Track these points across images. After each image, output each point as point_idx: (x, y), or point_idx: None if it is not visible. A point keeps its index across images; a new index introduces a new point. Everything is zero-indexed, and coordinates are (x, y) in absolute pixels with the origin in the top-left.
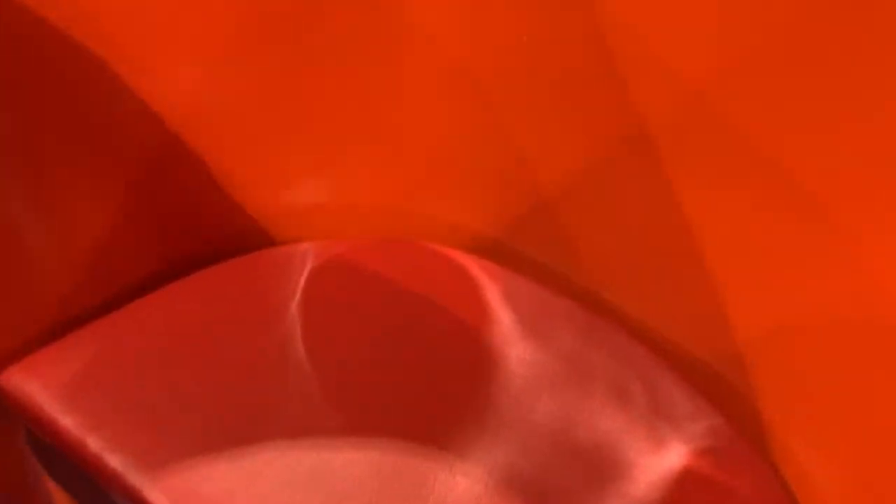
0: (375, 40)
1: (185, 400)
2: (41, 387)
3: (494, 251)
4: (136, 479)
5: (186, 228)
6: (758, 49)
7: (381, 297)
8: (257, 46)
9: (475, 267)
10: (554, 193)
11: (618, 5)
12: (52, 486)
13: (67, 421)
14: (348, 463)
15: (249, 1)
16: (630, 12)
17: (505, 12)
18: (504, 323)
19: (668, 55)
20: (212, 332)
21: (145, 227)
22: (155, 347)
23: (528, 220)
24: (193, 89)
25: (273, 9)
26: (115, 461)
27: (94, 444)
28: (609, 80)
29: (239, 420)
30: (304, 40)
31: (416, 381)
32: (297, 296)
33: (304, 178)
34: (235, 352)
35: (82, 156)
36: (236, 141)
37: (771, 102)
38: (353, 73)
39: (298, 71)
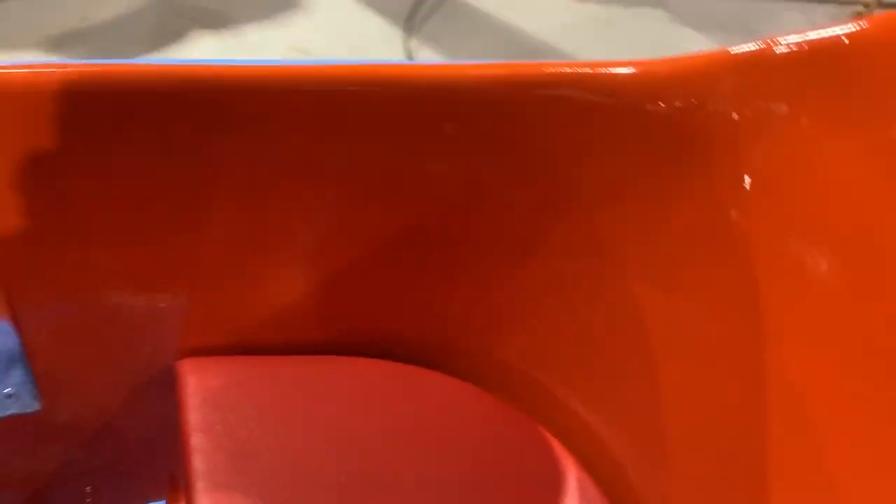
0: None
1: (288, 463)
2: (193, 388)
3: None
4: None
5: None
6: None
7: None
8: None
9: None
10: None
11: None
12: None
13: (192, 416)
14: None
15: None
16: None
17: None
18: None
19: None
20: (341, 418)
21: (335, 306)
22: (293, 403)
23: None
24: None
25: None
26: (199, 478)
27: (195, 442)
28: None
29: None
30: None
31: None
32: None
33: None
34: (345, 440)
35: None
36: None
37: None
38: None
39: None
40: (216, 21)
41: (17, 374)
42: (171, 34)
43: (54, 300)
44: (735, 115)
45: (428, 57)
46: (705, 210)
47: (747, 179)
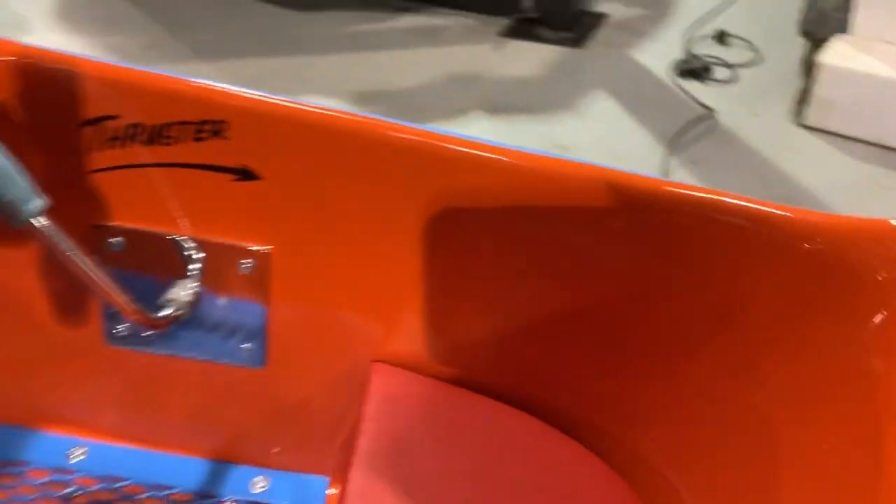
0: None
1: (427, 472)
2: (377, 387)
3: None
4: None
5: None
6: None
7: None
8: None
9: None
10: None
11: None
12: None
13: (369, 408)
14: None
15: None
16: None
17: None
18: None
19: None
20: (478, 453)
21: (503, 356)
22: (447, 424)
23: None
24: None
25: None
26: (358, 456)
27: (364, 427)
28: None
29: None
30: None
31: None
32: None
33: None
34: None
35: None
36: None
37: None
38: None
39: None
40: (496, 107)
41: (257, 340)
42: (456, 110)
43: (299, 303)
44: (881, 276)
45: (683, 178)
46: (848, 354)
47: (892, 333)
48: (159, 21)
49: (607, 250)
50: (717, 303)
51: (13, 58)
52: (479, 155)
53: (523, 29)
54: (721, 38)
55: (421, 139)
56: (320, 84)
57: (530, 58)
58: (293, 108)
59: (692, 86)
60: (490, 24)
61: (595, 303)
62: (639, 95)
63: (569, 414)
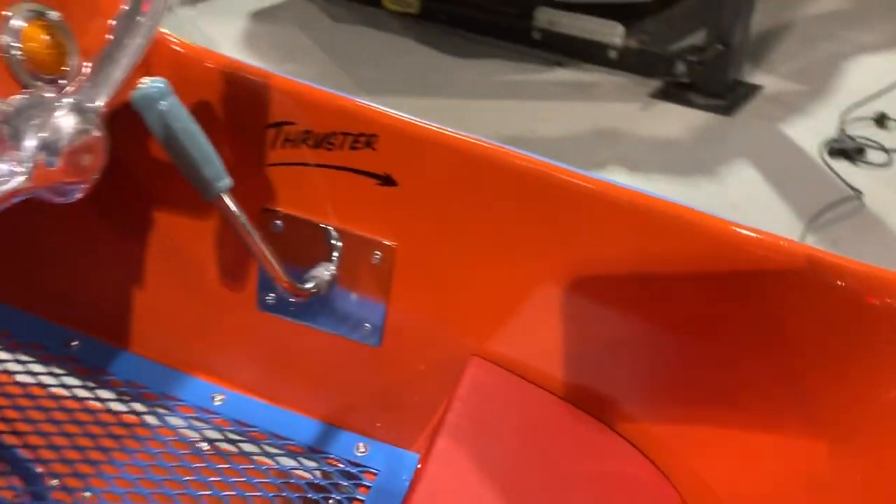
0: None
1: (500, 462)
2: (471, 377)
3: None
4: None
5: None
6: None
7: None
8: None
9: None
10: None
11: None
12: None
13: (461, 391)
14: None
15: None
16: None
17: None
18: None
19: None
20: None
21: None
22: (526, 422)
23: None
24: None
25: None
26: (444, 429)
27: (454, 406)
28: None
29: None
30: None
31: None
32: None
33: None
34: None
35: None
36: None
37: None
38: None
39: None
40: (636, 165)
41: (377, 321)
42: (596, 163)
43: (414, 294)
44: None
45: None
46: None
47: None
48: (331, 55)
49: (695, 289)
50: (791, 354)
51: (219, 67)
52: (582, 185)
53: (674, 92)
54: (881, 120)
55: (538, 167)
56: (468, 125)
57: (677, 121)
58: (432, 129)
59: (842, 166)
60: (642, 85)
61: (673, 329)
62: (783, 169)
63: (640, 429)
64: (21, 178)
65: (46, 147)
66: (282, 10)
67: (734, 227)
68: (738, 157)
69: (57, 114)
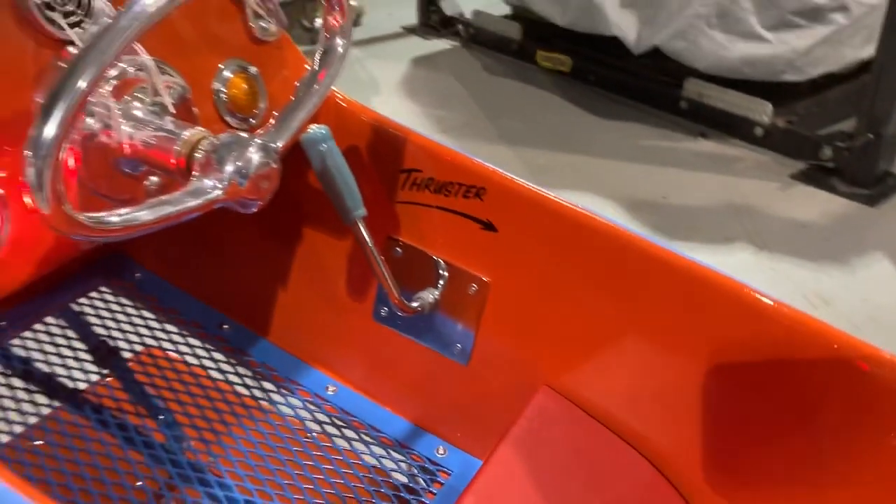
0: None
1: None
2: (539, 402)
3: None
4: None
5: None
6: None
7: None
8: None
9: None
10: None
11: None
12: None
13: (526, 414)
14: None
15: None
16: None
17: None
18: None
19: None
20: None
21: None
22: (579, 464)
23: None
24: None
25: None
26: (504, 444)
27: (516, 429)
28: None
29: None
30: None
31: None
32: None
33: None
34: None
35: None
36: None
37: None
38: None
39: None
40: (765, 243)
41: (467, 343)
42: (724, 237)
43: (501, 324)
44: None
45: None
46: None
47: None
48: (480, 104)
49: (759, 372)
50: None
51: (369, 120)
52: (659, 257)
53: (817, 176)
54: None
55: (622, 236)
56: (600, 183)
57: (816, 205)
58: (531, 189)
59: None
60: (784, 165)
61: (718, 387)
62: None
63: (681, 471)
64: (219, 192)
65: (239, 172)
66: (441, 58)
67: (810, 319)
68: (876, 250)
69: (249, 150)
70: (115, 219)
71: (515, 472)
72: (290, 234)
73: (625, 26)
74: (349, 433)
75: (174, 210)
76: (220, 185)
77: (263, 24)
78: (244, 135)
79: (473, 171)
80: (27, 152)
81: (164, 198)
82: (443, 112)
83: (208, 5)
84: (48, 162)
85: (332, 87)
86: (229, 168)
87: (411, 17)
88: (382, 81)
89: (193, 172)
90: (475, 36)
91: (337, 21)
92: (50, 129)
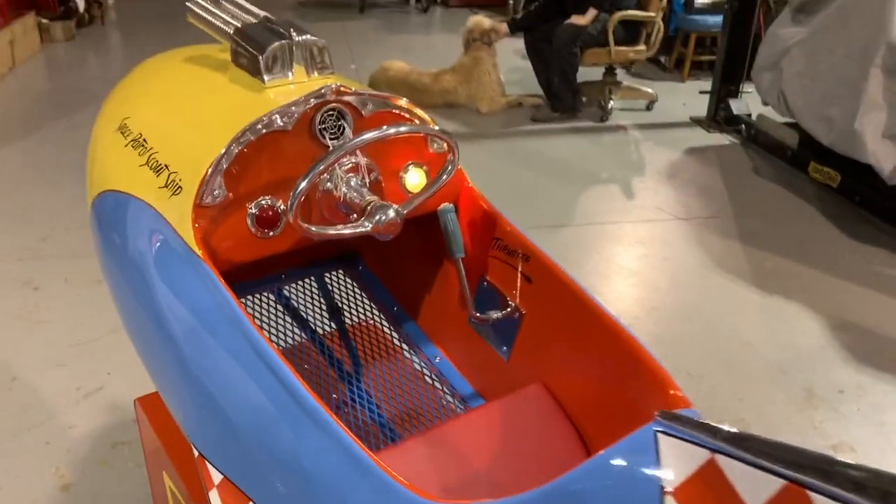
0: None
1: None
2: (522, 392)
3: None
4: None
5: None
6: None
7: None
8: None
9: None
10: None
11: None
12: None
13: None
14: None
15: None
16: None
17: None
18: None
19: None
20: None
21: None
22: None
23: None
24: None
25: None
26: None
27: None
28: None
29: None
30: None
31: None
32: None
33: None
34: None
35: None
36: None
37: None
38: None
39: None
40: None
41: (507, 349)
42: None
43: (522, 344)
44: None
45: None
46: None
47: None
48: (733, 200)
49: None
50: None
51: (480, 206)
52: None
53: None
54: None
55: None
56: (822, 301)
57: None
58: (558, 271)
59: None
60: None
61: None
62: None
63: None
64: (368, 227)
65: (380, 220)
66: (714, 152)
67: None
68: None
69: (389, 211)
70: (314, 229)
71: (473, 429)
72: (432, 263)
73: (881, 156)
74: (438, 385)
75: (348, 231)
76: (369, 224)
77: (436, 145)
78: (390, 204)
79: (527, 246)
80: (292, 194)
81: (346, 225)
82: (694, 201)
83: (407, 139)
84: (298, 199)
85: (467, 177)
86: (377, 217)
87: (703, 109)
88: (649, 163)
89: (364, 217)
90: (755, 137)
91: (453, 153)
92: (302, 184)
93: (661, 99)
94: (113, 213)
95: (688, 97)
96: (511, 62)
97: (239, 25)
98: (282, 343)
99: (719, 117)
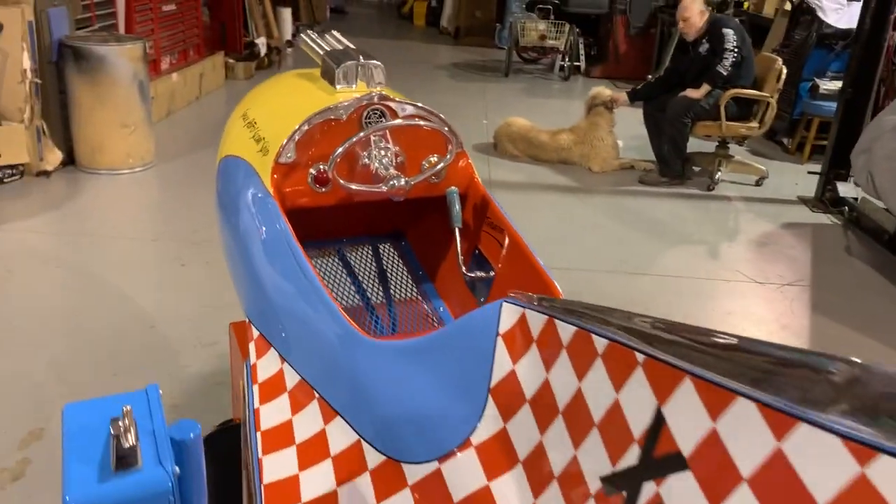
0: None
1: None
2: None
3: None
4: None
5: None
6: None
7: None
8: None
9: None
10: None
11: None
12: None
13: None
14: None
15: None
16: None
17: None
18: None
19: None
20: None
21: None
22: None
23: None
24: None
25: None
26: None
27: None
28: None
29: None
30: None
31: None
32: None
33: None
34: None
35: None
36: None
37: None
38: None
39: None
40: None
41: (486, 293)
42: None
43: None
44: None
45: None
46: None
47: None
48: (816, 273)
49: None
50: None
51: (481, 191)
52: None
53: None
54: None
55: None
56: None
57: None
58: (516, 234)
59: None
60: None
61: None
62: None
63: None
64: (384, 189)
65: (393, 184)
66: (811, 230)
67: None
68: None
69: (401, 180)
70: (344, 183)
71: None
72: (447, 242)
73: None
74: (437, 326)
75: (365, 189)
76: (385, 188)
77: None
78: (403, 176)
79: (505, 224)
80: (331, 157)
81: (370, 186)
82: (775, 268)
83: (432, 138)
84: (335, 160)
85: (474, 167)
86: (391, 182)
87: (813, 190)
88: (743, 231)
89: (382, 181)
90: (856, 219)
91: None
92: (338, 150)
93: (775, 177)
94: (226, 169)
95: (802, 178)
96: (633, 130)
97: (329, 49)
98: (337, 289)
99: (825, 198)
